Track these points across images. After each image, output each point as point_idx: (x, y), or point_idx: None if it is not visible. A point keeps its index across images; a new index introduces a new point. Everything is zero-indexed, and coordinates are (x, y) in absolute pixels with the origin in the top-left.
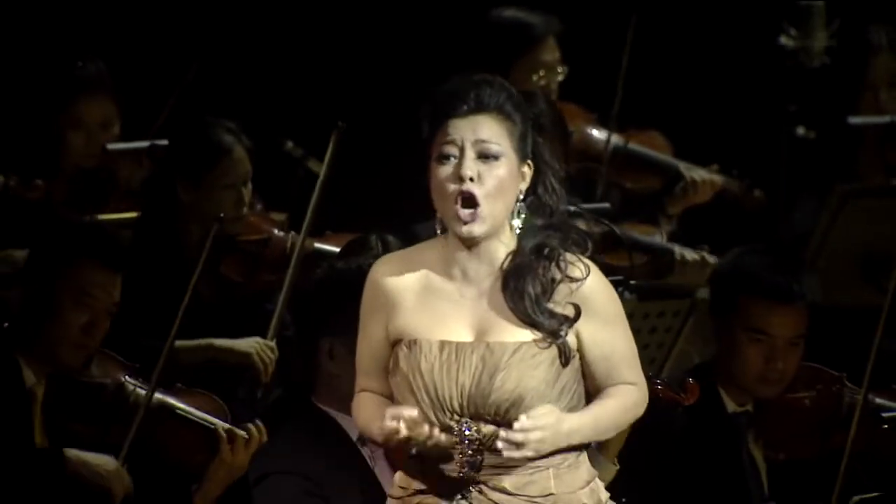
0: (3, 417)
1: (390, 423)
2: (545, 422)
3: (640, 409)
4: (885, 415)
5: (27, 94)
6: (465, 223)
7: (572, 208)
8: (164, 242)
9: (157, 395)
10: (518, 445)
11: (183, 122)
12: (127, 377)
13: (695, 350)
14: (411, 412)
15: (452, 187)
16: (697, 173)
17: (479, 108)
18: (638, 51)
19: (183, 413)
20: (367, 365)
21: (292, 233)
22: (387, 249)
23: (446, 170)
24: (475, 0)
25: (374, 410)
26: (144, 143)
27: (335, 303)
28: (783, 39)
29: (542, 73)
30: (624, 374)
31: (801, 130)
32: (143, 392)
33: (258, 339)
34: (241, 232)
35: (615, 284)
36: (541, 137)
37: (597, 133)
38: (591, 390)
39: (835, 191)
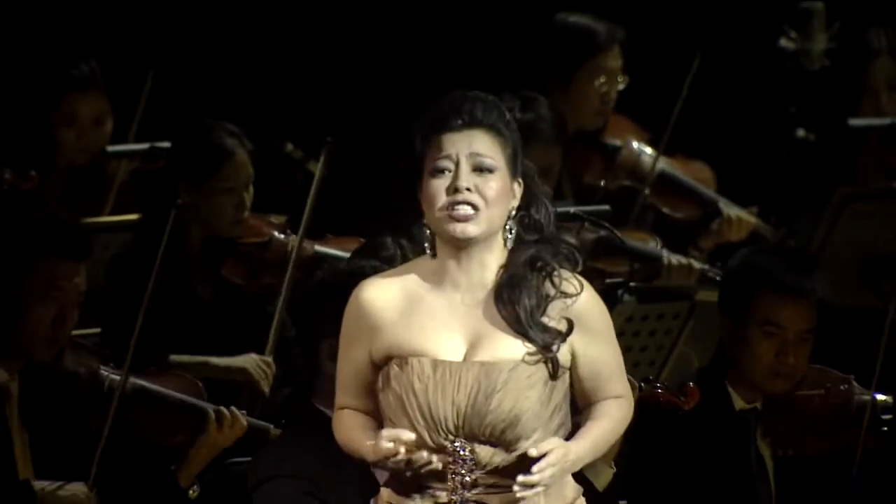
0: None
1: (386, 445)
2: (555, 457)
3: (628, 420)
4: (884, 417)
5: (19, 91)
6: (461, 222)
7: (572, 210)
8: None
9: (133, 380)
10: (533, 486)
11: (185, 125)
12: (101, 365)
13: (694, 352)
14: (409, 436)
15: (447, 198)
16: (735, 212)
17: (473, 123)
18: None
19: (159, 396)
20: (349, 384)
21: (293, 235)
22: (403, 253)
23: (441, 183)
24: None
25: (359, 429)
26: (145, 146)
27: (337, 304)
28: (783, 42)
29: (603, 79)
30: (613, 388)
31: (801, 133)
32: (117, 378)
33: (254, 355)
34: (242, 234)
35: (615, 286)
36: (539, 143)
37: (644, 153)
38: (581, 404)
39: (835, 193)
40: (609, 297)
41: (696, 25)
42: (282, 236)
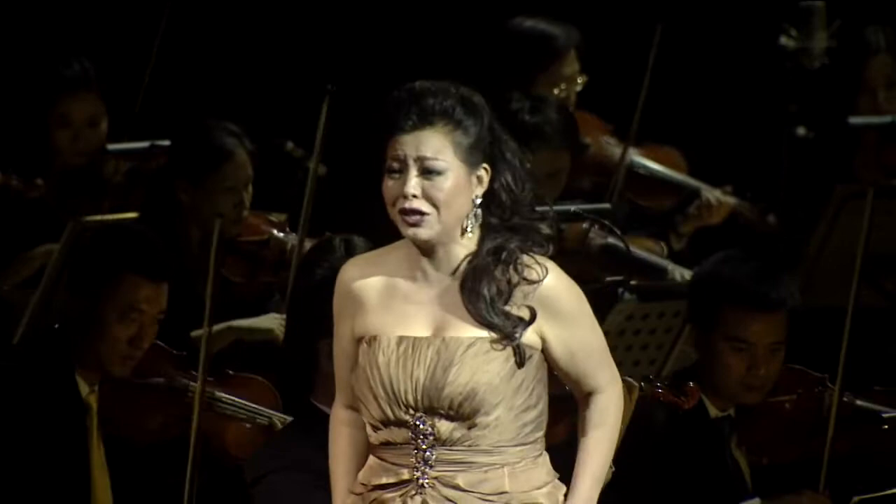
0: (60, 429)
1: None
2: None
3: (621, 407)
4: (885, 415)
5: (14, 93)
6: (411, 226)
7: (572, 208)
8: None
9: (208, 389)
10: None
11: (185, 124)
12: (177, 372)
13: (695, 350)
14: None
15: (398, 202)
16: (713, 194)
17: (422, 123)
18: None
19: (234, 405)
20: (344, 369)
21: (292, 234)
22: (350, 251)
23: (393, 184)
24: (489, 7)
25: (341, 462)
26: (145, 144)
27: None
28: (783, 40)
29: (563, 86)
30: (594, 373)
31: (801, 131)
32: (193, 384)
33: (275, 314)
34: (242, 233)
35: (615, 284)
36: (546, 148)
37: (613, 146)
38: (567, 385)
39: (835, 191)
40: (609, 295)
41: (695, 24)
42: (281, 235)
